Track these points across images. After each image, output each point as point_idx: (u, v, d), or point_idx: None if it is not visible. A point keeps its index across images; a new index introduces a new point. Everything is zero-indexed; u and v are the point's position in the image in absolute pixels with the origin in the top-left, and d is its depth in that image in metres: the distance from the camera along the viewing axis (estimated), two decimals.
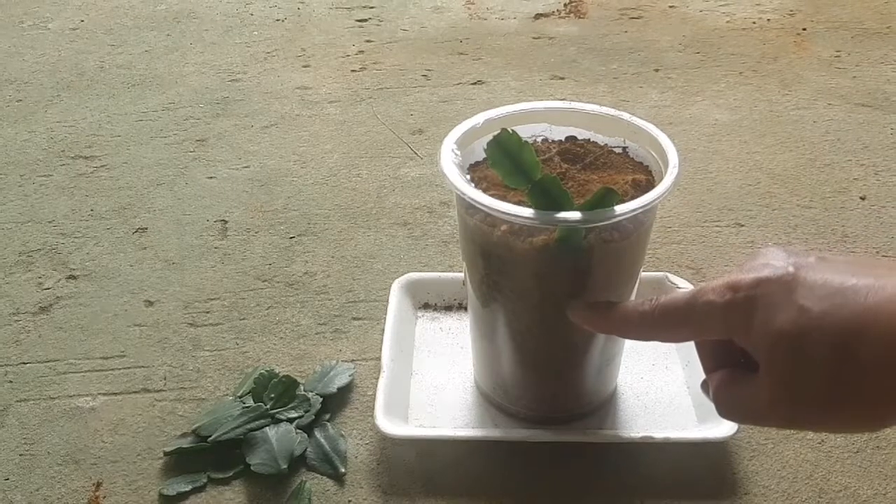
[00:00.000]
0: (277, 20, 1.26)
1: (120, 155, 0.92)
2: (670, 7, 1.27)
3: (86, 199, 0.84)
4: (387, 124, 0.97)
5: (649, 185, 0.51)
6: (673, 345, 0.63)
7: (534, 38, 1.19)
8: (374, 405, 0.57)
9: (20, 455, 0.57)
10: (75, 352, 0.66)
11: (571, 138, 0.56)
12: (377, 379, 0.59)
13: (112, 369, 0.64)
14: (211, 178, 0.88)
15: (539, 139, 0.56)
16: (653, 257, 0.73)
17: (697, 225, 0.79)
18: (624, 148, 0.55)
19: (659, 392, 0.60)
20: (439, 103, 1.01)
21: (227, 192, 0.85)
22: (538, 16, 1.26)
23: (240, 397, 0.60)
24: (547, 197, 0.46)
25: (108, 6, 1.32)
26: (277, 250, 0.77)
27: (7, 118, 1.00)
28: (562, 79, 1.07)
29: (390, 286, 0.67)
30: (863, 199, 0.82)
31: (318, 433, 0.57)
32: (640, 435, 0.55)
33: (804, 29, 1.18)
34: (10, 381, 0.63)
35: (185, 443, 0.57)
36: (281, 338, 0.67)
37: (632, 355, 0.62)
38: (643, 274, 0.55)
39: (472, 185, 0.50)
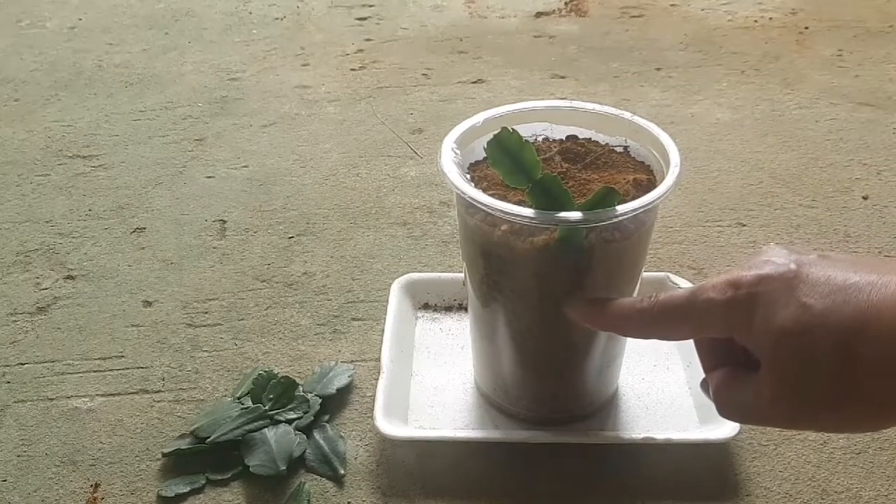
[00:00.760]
0: (276, 19, 1.26)
1: (118, 154, 0.92)
2: (672, 5, 1.27)
3: (84, 199, 0.84)
4: (386, 123, 0.97)
5: (650, 184, 0.51)
6: (674, 346, 0.63)
7: (534, 36, 1.18)
8: (373, 406, 0.56)
9: (18, 456, 0.57)
10: (73, 352, 0.65)
11: (572, 137, 0.55)
12: (377, 380, 0.58)
13: (110, 370, 0.64)
14: (209, 177, 0.87)
15: (540, 138, 0.55)
16: (654, 257, 0.73)
17: (699, 225, 0.78)
18: (625, 147, 0.55)
19: (660, 393, 0.60)
20: (439, 102, 1.01)
21: (225, 191, 0.85)
22: (539, 14, 1.25)
23: (238, 398, 0.60)
24: (547, 196, 0.46)
25: (107, 5, 1.31)
26: (276, 250, 0.76)
27: (5, 117, 1.00)
28: (562, 77, 1.06)
29: (390, 286, 0.67)
30: (865, 198, 0.81)
31: (317, 434, 0.57)
32: (641, 436, 0.55)
33: (806, 28, 1.18)
34: (8, 382, 0.63)
35: (184, 444, 0.57)
36: (280, 338, 0.66)
37: (633, 356, 0.62)
38: (644, 274, 0.54)
39: (473, 184, 0.50)
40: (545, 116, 0.55)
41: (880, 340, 0.30)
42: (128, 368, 0.64)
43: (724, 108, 0.98)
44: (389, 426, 0.55)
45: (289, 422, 0.57)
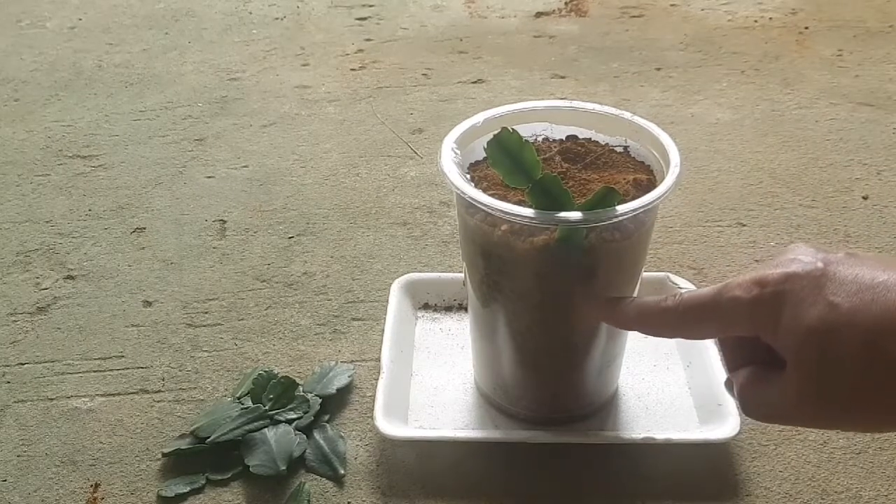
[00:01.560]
0: (276, 19, 1.26)
1: (118, 154, 0.92)
2: (672, 5, 1.27)
3: (84, 199, 0.84)
4: (386, 123, 0.97)
5: (650, 184, 0.51)
6: (674, 346, 0.63)
7: (534, 36, 1.18)
8: (373, 406, 0.56)
9: (18, 456, 0.57)
10: (73, 352, 0.65)
11: (572, 137, 0.55)
12: (377, 380, 0.58)
13: (110, 370, 0.64)
14: (209, 177, 0.87)
15: (540, 138, 0.55)
16: (654, 257, 0.73)
17: (699, 225, 0.78)
18: (625, 147, 0.55)
19: (660, 393, 0.60)
20: (439, 102, 1.01)
21: (225, 191, 0.85)
22: (539, 14, 1.25)
23: (238, 398, 0.60)
24: (547, 196, 0.46)
25: (107, 5, 1.31)
26: (276, 250, 0.76)
27: (5, 117, 1.00)
28: (562, 77, 1.06)
29: (390, 286, 0.67)
30: (865, 198, 0.81)
31: (317, 434, 0.57)
32: (641, 436, 0.54)
33: (806, 28, 1.18)
34: (8, 382, 0.63)
35: (184, 444, 0.57)
36: (280, 338, 0.66)
37: (633, 356, 0.61)
38: (644, 274, 0.54)
39: (473, 184, 0.50)
40: (545, 116, 0.55)
41: None
42: (128, 368, 0.64)
43: (724, 108, 0.98)
44: (389, 426, 0.55)
45: (289, 422, 0.57)
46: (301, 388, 0.60)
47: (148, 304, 0.70)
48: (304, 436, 0.57)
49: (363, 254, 0.75)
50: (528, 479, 0.54)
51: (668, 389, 0.60)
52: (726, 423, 0.54)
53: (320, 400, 0.59)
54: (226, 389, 0.62)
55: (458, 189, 0.48)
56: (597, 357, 0.55)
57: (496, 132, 0.47)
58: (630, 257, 0.51)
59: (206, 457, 0.56)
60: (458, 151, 0.51)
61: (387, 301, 0.65)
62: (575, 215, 0.45)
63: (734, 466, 0.55)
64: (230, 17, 1.26)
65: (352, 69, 1.10)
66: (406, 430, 0.56)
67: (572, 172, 0.52)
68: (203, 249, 0.77)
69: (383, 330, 0.63)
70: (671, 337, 0.41)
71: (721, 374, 0.58)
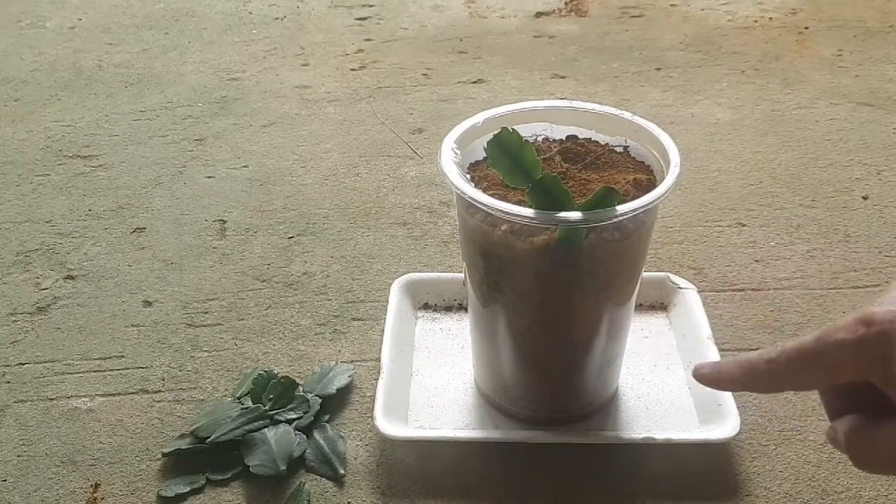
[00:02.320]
0: (276, 19, 1.26)
1: (118, 154, 0.92)
2: (672, 5, 1.27)
3: (84, 199, 0.84)
4: (386, 123, 0.97)
5: (650, 184, 0.51)
6: (674, 346, 0.63)
7: (534, 36, 1.18)
8: (373, 406, 0.56)
9: (18, 456, 0.57)
10: (73, 352, 0.65)
11: (572, 137, 0.55)
12: (377, 380, 0.58)
13: (110, 370, 0.64)
14: (209, 177, 0.87)
15: (540, 138, 0.55)
16: (654, 257, 0.73)
17: (699, 224, 0.78)
18: (625, 147, 0.55)
19: (660, 393, 0.60)
20: (439, 102, 1.01)
21: (225, 191, 0.85)
22: (539, 14, 1.25)
23: (238, 398, 0.60)
24: (547, 196, 0.46)
25: (107, 5, 1.31)
26: (276, 250, 0.76)
27: (4, 117, 1.00)
28: (562, 77, 1.06)
29: (390, 286, 0.67)
30: (865, 198, 0.81)
31: (317, 434, 0.57)
32: (641, 436, 0.54)
33: (806, 28, 1.18)
34: (8, 382, 0.63)
35: (184, 444, 0.57)
36: (280, 338, 0.66)
37: (633, 356, 0.61)
38: (644, 274, 0.54)
39: (473, 184, 0.50)
40: (545, 116, 0.55)
41: None
42: (128, 368, 0.64)
43: (724, 107, 0.98)
44: (389, 426, 0.55)
45: (289, 422, 0.57)
46: (301, 388, 0.60)
47: (148, 304, 0.70)
48: (304, 436, 0.57)
49: (363, 254, 0.75)
50: (528, 479, 0.54)
51: (668, 389, 0.60)
52: (726, 423, 0.54)
53: (320, 400, 0.59)
54: (226, 389, 0.62)
55: (458, 189, 0.48)
56: (597, 357, 0.55)
57: (496, 132, 0.47)
58: (630, 257, 0.51)
59: (206, 457, 0.56)
60: (458, 151, 0.51)
61: (387, 301, 0.65)
62: (575, 215, 0.45)
63: (734, 466, 0.55)
64: (230, 17, 1.26)
65: (352, 69, 1.10)
66: (406, 430, 0.56)
67: (572, 172, 0.52)
68: (203, 249, 0.77)
69: (383, 330, 0.63)
70: (780, 391, 0.39)
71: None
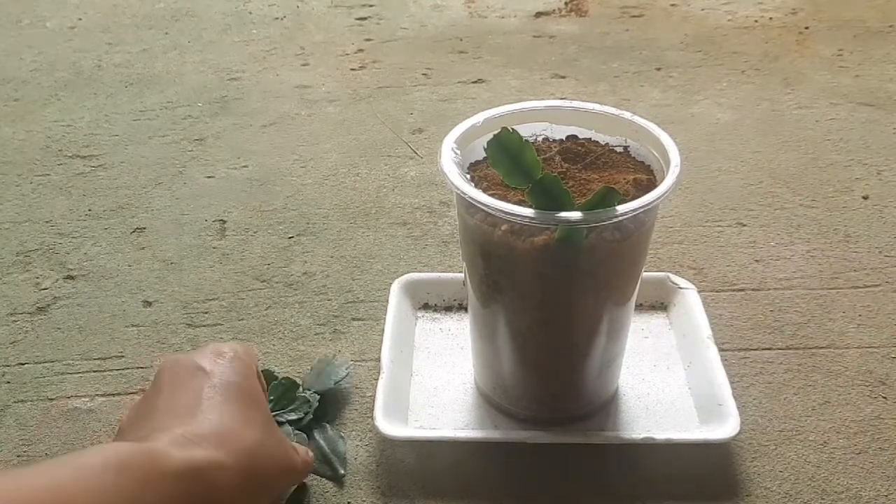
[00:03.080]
0: (276, 18, 1.26)
1: (118, 154, 0.92)
2: (672, 5, 1.27)
3: (83, 199, 0.84)
4: (386, 123, 0.97)
5: (650, 184, 0.51)
6: (674, 346, 0.63)
7: (534, 36, 1.18)
8: (373, 406, 0.56)
9: (18, 456, 0.57)
10: (73, 352, 0.65)
11: (572, 137, 0.55)
12: (377, 380, 0.58)
13: (110, 370, 0.64)
14: (209, 177, 0.87)
15: (540, 138, 0.55)
16: (654, 257, 0.73)
17: (699, 224, 0.78)
18: (625, 147, 0.55)
19: (660, 393, 0.60)
20: (439, 102, 1.01)
21: (225, 191, 0.85)
22: (539, 14, 1.25)
23: None
24: (548, 196, 0.46)
25: (106, 4, 1.31)
26: (276, 250, 0.76)
27: (4, 117, 1.00)
28: (563, 77, 1.06)
29: (390, 286, 0.67)
30: (865, 198, 0.81)
31: (317, 434, 0.57)
32: (641, 436, 0.54)
33: (806, 28, 1.18)
34: (8, 382, 0.63)
35: None
36: (280, 338, 0.66)
37: (633, 356, 0.61)
38: (645, 274, 0.54)
39: (473, 184, 0.50)
40: (545, 116, 0.55)
41: None
42: (128, 368, 0.64)
43: (724, 107, 0.98)
44: (389, 426, 0.55)
45: (290, 423, 0.57)
46: (301, 388, 0.60)
47: (148, 304, 0.70)
48: (305, 436, 0.57)
49: (363, 254, 0.75)
50: (528, 479, 0.54)
51: (668, 389, 0.60)
52: (726, 423, 0.54)
53: (318, 396, 0.59)
54: None
55: (458, 189, 0.48)
56: (597, 357, 0.55)
57: (496, 132, 0.47)
58: (630, 257, 0.51)
59: None
60: (458, 151, 0.51)
61: (387, 301, 0.65)
62: (575, 215, 0.45)
63: (734, 466, 0.55)
64: (230, 17, 1.26)
65: (352, 69, 1.10)
66: (406, 430, 0.56)
67: (572, 172, 0.52)
68: (203, 249, 0.77)
69: (383, 330, 0.63)
70: None
71: (721, 374, 0.58)
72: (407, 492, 0.54)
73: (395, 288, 0.66)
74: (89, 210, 0.82)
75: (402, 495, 0.54)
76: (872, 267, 0.72)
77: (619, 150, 0.54)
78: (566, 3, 1.28)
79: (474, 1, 1.30)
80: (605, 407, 0.59)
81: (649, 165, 0.53)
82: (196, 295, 0.71)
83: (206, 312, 0.69)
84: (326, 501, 0.54)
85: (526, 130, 0.54)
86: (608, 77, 1.06)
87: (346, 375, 0.61)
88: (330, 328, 0.67)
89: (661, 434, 0.54)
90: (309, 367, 0.63)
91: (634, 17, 1.24)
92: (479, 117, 0.54)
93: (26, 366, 0.64)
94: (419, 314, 0.67)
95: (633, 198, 0.47)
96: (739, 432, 0.54)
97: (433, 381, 0.61)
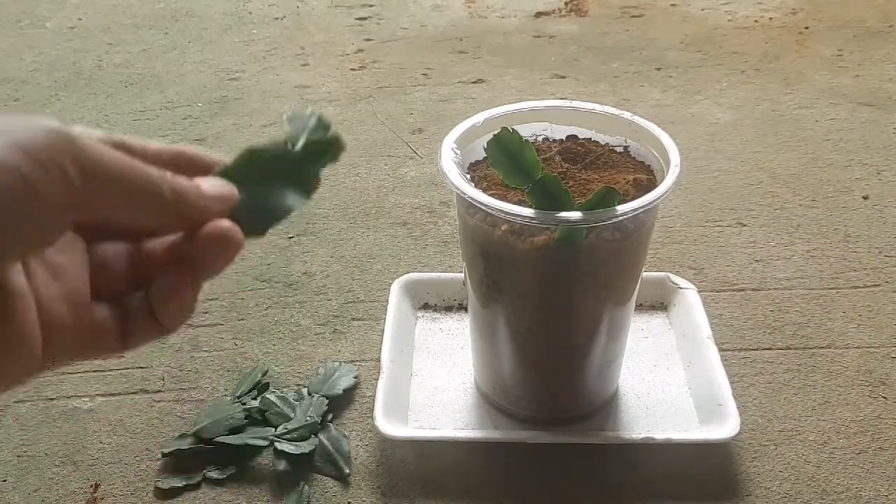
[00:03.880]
0: (276, 19, 1.26)
1: None
2: (672, 5, 1.27)
3: None
4: (386, 123, 0.97)
5: (650, 184, 0.51)
6: (674, 346, 0.63)
7: (534, 36, 1.18)
8: (373, 406, 0.56)
9: (18, 456, 0.57)
10: None
11: (572, 137, 0.55)
12: (377, 380, 0.58)
13: (110, 370, 0.64)
14: None
15: (540, 138, 0.55)
16: (654, 257, 0.73)
17: (699, 224, 0.78)
18: (625, 147, 0.55)
19: (660, 393, 0.60)
20: (439, 102, 1.01)
21: None
22: (539, 14, 1.25)
23: (239, 398, 0.60)
24: (548, 196, 0.46)
25: (106, 5, 1.31)
26: (276, 250, 0.76)
27: None
28: (563, 77, 1.06)
29: (390, 286, 0.67)
30: (865, 198, 0.81)
31: (321, 434, 0.57)
32: (641, 436, 0.54)
33: (806, 28, 1.18)
34: None
35: (184, 444, 0.57)
36: (280, 338, 0.66)
37: (633, 356, 0.61)
38: (644, 274, 0.54)
39: (473, 184, 0.50)
40: (545, 116, 0.55)
41: None
42: (128, 368, 0.64)
43: (724, 107, 0.98)
44: (389, 426, 0.55)
45: (304, 427, 0.57)
46: (306, 390, 0.60)
47: None
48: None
49: (363, 254, 0.75)
50: (528, 479, 0.54)
51: (668, 389, 0.60)
52: (726, 423, 0.54)
53: (327, 400, 0.59)
54: (226, 389, 0.62)
55: (458, 189, 0.48)
56: (597, 357, 0.55)
57: (496, 132, 0.47)
58: (630, 257, 0.51)
59: (206, 457, 0.56)
60: (458, 151, 0.51)
61: (387, 301, 0.65)
62: (575, 215, 0.45)
63: (734, 466, 0.55)
64: (230, 17, 1.26)
65: (352, 69, 1.10)
66: (406, 430, 0.56)
67: (572, 172, 0.52)
68: None
69: (383, 330, 0.63)
70: None
71: (721, 374, 0.58)
72: (407, 492, 0.54)
73: (395, 288, 0.66)
74: None
75: (402, 495, 0.54)
76: (872, 267, 0.72)
77: (619, 150, 0.54)
78: (566, 3, 1.28)
79: (474, 1, 1.30)
80: (605, 407, 0.59)
81: (649, 165, 0.53)
82: None
83: (206, 312, 0.69)
84: (327, 501, 0.54)
85: (526, 130, 0.54)
86: (608, 77, 1.06)
87: (356, 384, 0.61)
88: (330, 328, 0.67)
89: (660, 434, 0.54)
90: (311, 369, 0.63)
91: (634, 17, 1.24)
92: (479, 117, 0.54)
93: None
94: (419, 314, 0.67)
95: (633, 198, 0.47)
96: (739, 432, 0.54)
97: (433, 381, 0.61)
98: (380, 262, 0.74)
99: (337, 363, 0.62)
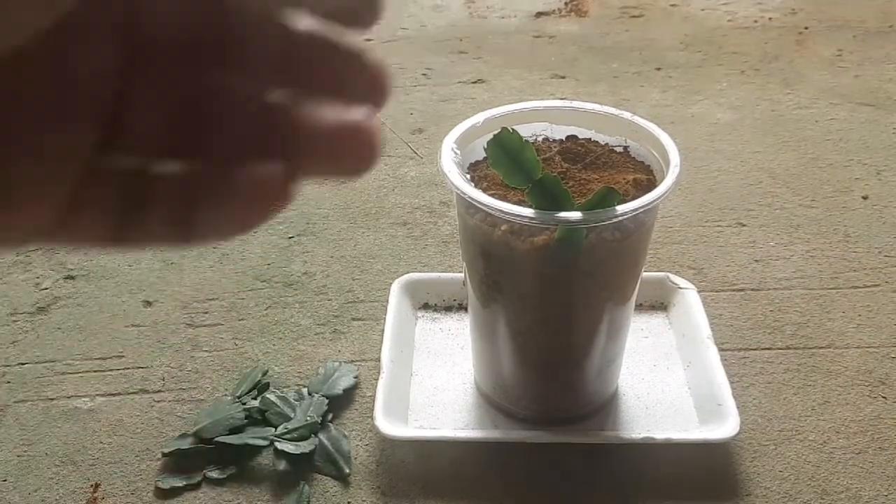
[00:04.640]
0: None
1: None
2: (672, 6, 1.27)
3: None
4: (386, 123, 0.97)
5: (650, 184, 0.51)
6: (674, 346, 0.63)
7: (534, 36, 1.18)
8: (373, 406, 0.56)
9: (18, 456, 0.57)
10: (73, 352, 0.65)
11: (572, 137, 0.55)
12: (377, 380, 0.58)
13: (110, 370, 0.64)
14: None
15: (540, 138, 0.55)
16: (654, 257, 0.73)
17: (699, 224, 0.78)
18: (625, 147, 0.55)
19: (660, 393, 0.60)
20: (439, 102, 1.01)
21: None
22: (539, 14, 1.25)
23: (239, 398, 0.60)
24: (547, 196, 0.46)
25: None
26: (276, 250, 0.76)
27: None
28: (562, 78, 1.06)
29: (390, 286, 0.67)
30: (865, 198, 0.81)
31: (321, 434, 0.57)
32: (641, 436, 0.54)
33: (806, 28, 1.18)
34: (9, 382, 0.63)
35: (184, 444, 0.57)
36: (280, 338, 0.66)
37: (633, 356, 0.62)
38: (644, 274, 0.54)
39: (473, 184, 0.50)
40: (545, 116, 0.55)
41: None
42: (128, 368, 0.64)
43: (724, 108, 0.98)
44: (389, 426, 0.55)
45: (303, 427, 0.57)
46: (307, 390, 0.60)
47: (148, 303, 0.70)
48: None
49: (363, 254, 0.75)
50: (528, 479, 0.54)
51: (668, 389, 0.60)
52: (726, 423, 0.54)
53: (327, 400, 0.59)
54: (226, 389, 0.62)
55: (458, 189, 0.48)
56: (597, 357, 0.55)
57: (496, 132, 0.47)
58: (630, 257, 0.51)
59: (206, 456, 0.56)
60: (458, 151, 0.51)
61: (387, 301, 0.65)
62: (575, 215, 0.45)
63: (734, 466, 0.55)
64: None
65: None
66: (406, 430, 0.56)
67: (572, 172, 0.52)
68: (203, 249, 0.77)
69: (383, 330, 0.63)
70: None
71: (721, 374, 0.58)
72: (407, 492, 0.54)
73: (395, 288, 0.67)
74: None
75: (401, 495, 0.54)
76: (872, 267, 0.72)
77: (619, 150, 0.54)
78: (566, 3, 1.28)
79: (474, 1, 1.30)
80: (605, 407, 0.59)
81: (649, 165, 0.53)
82: (196, 295, 0.71)
83: (206, 312, 0.69)
84: (327, 501, 0.54)
85: (526, 130, 0.54)
86: (608, 77, 1.06)
87: (356, 384, 0.61)
88: (330, 328, 0.67)
89: (660, 434, 0.54)
90: (311, 369, 0.63)
91: (634, 17, 1.24)
92: (479, 117, 0.54)
93: (26, 366, 0.64)
94: (419, 314, 0.67)
95: (633, 198, 0.47)
96: (739, 432, 0.54)
97: (433, 381, 0.61)
98: (380, 262, 0.74)
99: (337, 363, 0.62)
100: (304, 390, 0.60)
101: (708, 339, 0.61)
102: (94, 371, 0.64)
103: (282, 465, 0.55)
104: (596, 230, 0.47)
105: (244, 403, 0.59)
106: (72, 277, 0.73)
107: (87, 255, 0.76)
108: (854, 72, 1.05)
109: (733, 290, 0.70)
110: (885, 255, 0.74)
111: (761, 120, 0.95)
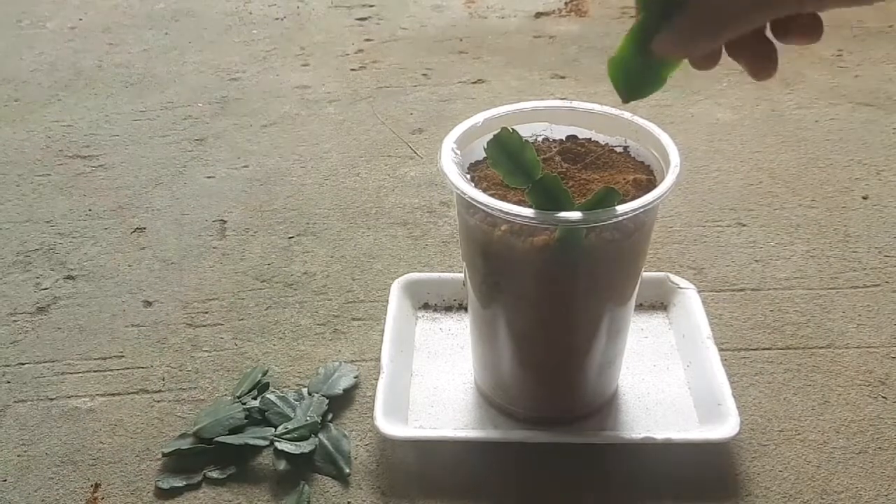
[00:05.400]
0: (276, 19, 1.26)
1: (118, 154, 0.92)
2: None
3: (84, 199, 0.84)
4: (386, 123, 0.97)
5: (650, 184, 0.51)
6: (674, 346, 0.63)
7: (534, 36, 1.18)
8: (373, 406, 0.56)
9: (18, 456, 0.57)
10: (73, 352, 0.65)
11: (572, 137, 0.56)
12: (377, 380, 0.58)
13: (110, 370, 0.64)
14: (210, 177, 0.87)
15: (540, 138, 0.55)
16: (654, 257, 0.73)
17: (699, 224, 0.78)
18: (625, 147, 0.55)
19: (660, 393, 0.60)
20: (439, 102, 1.01)
21: (225, 191, 0.85)
22: (539, 14, 1.25)
23: (239, 397, 0.60)
24: (547, 196, 0.46)
25: (107, 5, 1.31)
26: (276, 250, 0.76)
27: (5, 118, 1.00)
28: (562, 78, 1.06)
29: (390, 286, 0.67)
30: (865, 198, 0.81)
31: (321, 434, 0.57)
32: (640, 436, 0.54)
33: None
34: (8, 382, 0.63)
35: (184, 444, 0.57)
36: (280, 338, 0.66)
37: (633, 356, 0.62)
38: (644, 274, 0.54)
39: (472, 184, 0.50)
40: (545, 116, 0.55)
41: None
42: (128, 368, 0.64)
43: (724, 108, 0.98)
44: (389, 426, 0.55)
45: (304, 427, 0.57)
46: (307, 390, 0.60)
47: (148, 304, 0.70)
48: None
49: (363, 254, 0.75)
50: (528, 479, 0.54)
51: (668, 389, 0.60)
52: (726, 423, 0.54)
53: (327, 400, 0.59)
54: (226, 389, 0.62)
55: (458, 189, 0.48)
56: (597, 357, 0.55)
57: (496, 132, 0.47)
58: (630, 257, 0.51)
59: (206, 456, 0.56)
60: (458, 151, 0.51)
61: (387, 301, 0.65)
62: (575, 215, 0.45)
63: (734, 466, 0.55)
64: (230, 17, 1.26)
65: (352, 69, 1.10)
66: (406, 430, 0.56)
67: (572, 172, 0.52)
68: (203, 249, 0.77)
69: (383, 330, 0.63)
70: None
71: (721, 374, 0.58)
72: (407, 492, 0.54)
73: (395, 288, 0.67)
74: (89, 210, 0.82)
75: (401, 495, 0.54)
76: (872, 267, 0.72)
77: (619, 150, 0.54)
78: (566, 3, 1.28)
79: (474, 1, 1.30)
80: (605, 407, 0.59)
81: (649, 165, 0.53)
82: (196, 295, 0.71)
83: (206, 312, 0.69)
84: (327, 501, 0.54)
85: (526, 130, 0.54)
86: (608, 77, 1.06)
87: (356, 384, 0.61)
88: (330, 328, 0.67)
89: (660, 434, 0.54)
90: (311, 369, 0.63)
91: (634, 17, 1.24)
92: (479, 117, 0.54)
93: (26, 366, 0.64)
94: (419, 314, 0.67)
95: (633, 198, 0.47)
96: (739, 432, 0.54)
97: (433, 381, 0.61)
98: (380, 262, 0.74)
99: (337, 363, 0.62)
100: (304, 390, 0.60)
101: (708, 339, 0.61)
102: (94, 371, 0.64)
103: (282, 465, 0.55)
104: (596, 230, 0.47)
105: (244, 403, 0.59)
106: (72, 277, 0.73)
107: (86, 255, 0.76)
108: (854, 72, 1.05)
109: (733, 290, 0.70)
110: (885, 255, 0.74)
111: (761, 120, 0.95)
